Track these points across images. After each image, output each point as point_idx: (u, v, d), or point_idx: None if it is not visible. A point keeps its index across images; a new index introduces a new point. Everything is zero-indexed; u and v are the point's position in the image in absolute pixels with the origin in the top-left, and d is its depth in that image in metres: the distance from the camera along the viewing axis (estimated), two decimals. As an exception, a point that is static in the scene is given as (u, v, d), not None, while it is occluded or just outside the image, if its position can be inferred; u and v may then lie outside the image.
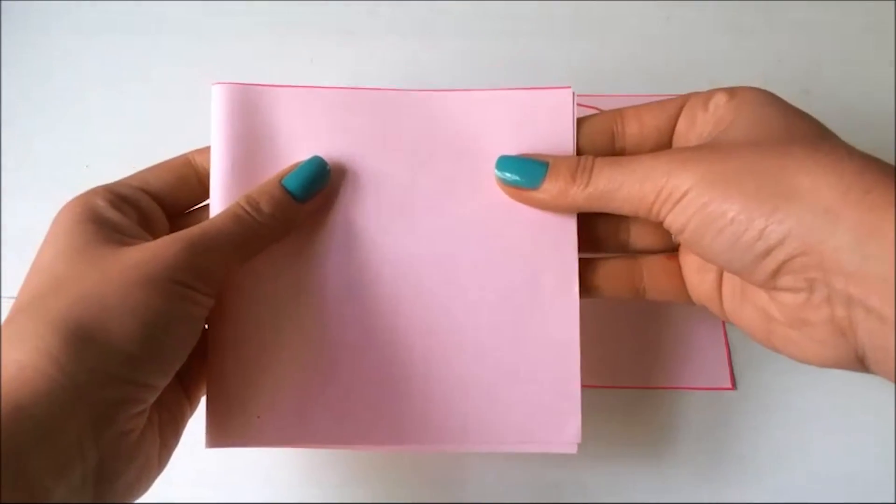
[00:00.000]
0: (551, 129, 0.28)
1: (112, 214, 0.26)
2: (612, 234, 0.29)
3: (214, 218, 0.26)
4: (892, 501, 0.32)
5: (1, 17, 0.42)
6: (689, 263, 0.28)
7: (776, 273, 0.22)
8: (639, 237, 0.29)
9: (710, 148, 0.24)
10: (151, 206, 0.28)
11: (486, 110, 0.29)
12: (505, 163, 0.27)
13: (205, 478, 0.34)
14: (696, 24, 0.40)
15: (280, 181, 0.27)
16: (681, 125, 0.27)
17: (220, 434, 0.28)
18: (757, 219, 0.22)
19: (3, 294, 0.37)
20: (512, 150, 0.28)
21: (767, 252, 0.22)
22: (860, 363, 0.22)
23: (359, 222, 0.28)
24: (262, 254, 0.27)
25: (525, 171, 0.27)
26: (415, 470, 0.33)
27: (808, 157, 0.22)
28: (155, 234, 0.27)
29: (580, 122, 0.28)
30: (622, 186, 0.25)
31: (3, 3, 0.42)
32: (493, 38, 0.40)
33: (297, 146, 0.28)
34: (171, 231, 0.27)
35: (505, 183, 0.27)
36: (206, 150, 0.29)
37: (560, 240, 0.28)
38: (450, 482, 0.33)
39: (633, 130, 0.28)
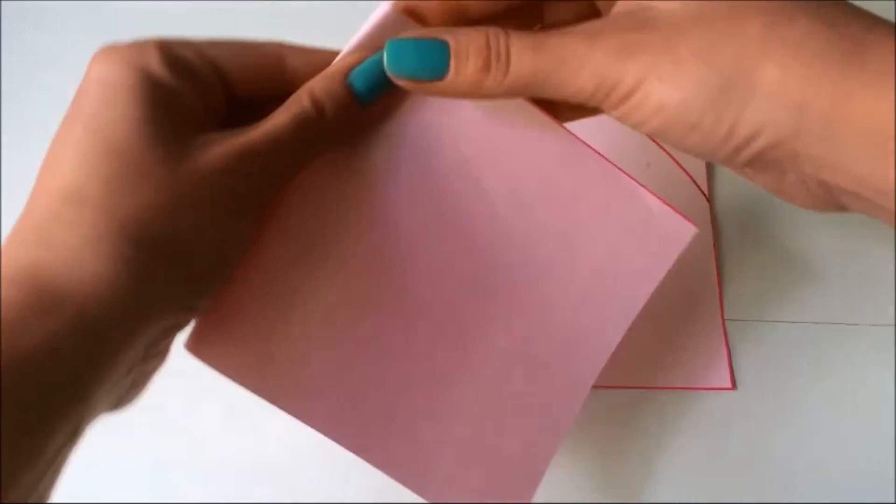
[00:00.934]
0: (651, 253, 0.26)
1: (174, 86, 0.21)
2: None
3: (277, 120, 0.21)
4: (892, 502, 0.32)
5: (1, 17, 0.42)
6: None
7: (748, 163, 0.20)
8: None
9: (651, 28, 0.20)
10: (214, 85, 0.22)
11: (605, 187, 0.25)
12: (395, 48, 0.21)
13: (207, 477, 0.34)
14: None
15: (345, 78, 0.22)
16: None
17: (204, 344, 0.24)
18: (724, 119, 0.19)
19: (3, 294, 0.37)
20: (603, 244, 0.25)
21: (737, 149, 0.20)
22: (846, 209, 0.21)
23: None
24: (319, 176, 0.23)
25: (422, 59, 0.21)
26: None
27: (768, 36, 0.19)
28: (211, 121, 0.22)
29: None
30: (550, 76, 0.20)
31: (3, 3, 0.42)
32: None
33: None
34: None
35: (400, 76, 0.22)
36: (304, 51, 0.23)
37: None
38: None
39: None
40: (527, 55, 0.21)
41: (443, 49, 0.21)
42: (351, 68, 0.22)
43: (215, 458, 0.34)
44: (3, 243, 0.20)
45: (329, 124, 0.22)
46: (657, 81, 0.19)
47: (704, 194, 0.36)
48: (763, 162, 0.20)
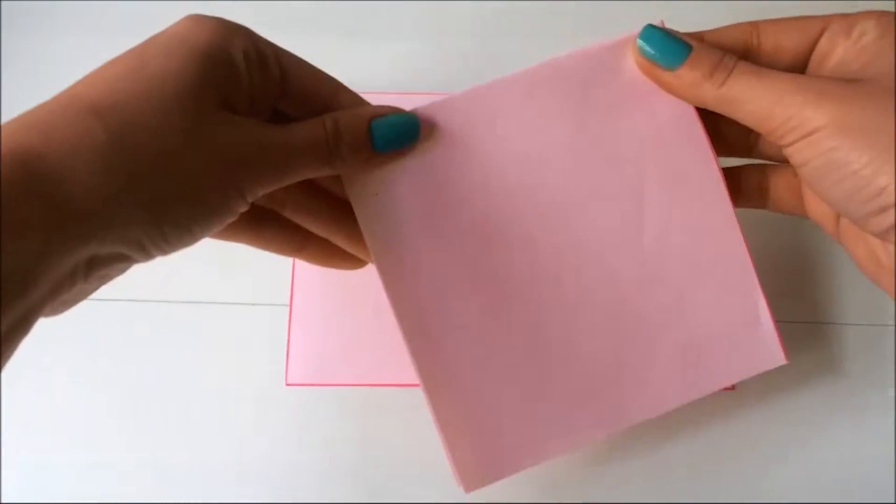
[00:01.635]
0: (736, 356, 0.28)
1: (241, 73, 0.23)
2: (742, 136, 0.29)
3: (294, 130, 0.24)
4: (892, 502, 0.32)
5: (1, 17, 0.42)
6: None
7: (889, 229, 0.22)
8: (766, 144, 0.29)
9: (850, 87, 0.23)
10: (274, 88, 0.25)
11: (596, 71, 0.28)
12: (649, 34, 0.27)
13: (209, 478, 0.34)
14: (695, 24, 0.40)
15: (370, 121, 0.25)
16: (820, 49, 0.26)
17: (473, 475, 0.28)
18: (881, 176, 0.22)
19: (3, 294, 0.37)
20: (638, 117, 0.28)
21: (884, 209, 0.22)
22: None
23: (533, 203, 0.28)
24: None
25: (666, 50, 0.26)
26: (415, 468, 0.33)
27: None
28: (261, 103, 0.24)
29: (712, 31, 0.27)
30: (754, 99, 0.24)
31: (3, 3, 0.42)
32: (493, 38, 0.40)
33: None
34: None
35: (642, 54, 0.26)
36: (356, 96, 0.26)
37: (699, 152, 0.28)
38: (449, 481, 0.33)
39: (768, 47, 0.27)
40: (745, 76, 0.25)
41: (685, 49, 0.26)
42: (379, 116, 0.25)
43: (215, 458, 0.34)
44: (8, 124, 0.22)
45: (337, 155, 0.24)
46: (837, 130, 0.22)
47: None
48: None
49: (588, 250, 0.28)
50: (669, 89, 0.27)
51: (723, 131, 0.29)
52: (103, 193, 0.20)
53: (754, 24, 0.27)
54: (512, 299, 0.28)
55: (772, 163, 0.29)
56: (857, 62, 0.24)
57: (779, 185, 0.29)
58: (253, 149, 0.22)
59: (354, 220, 0.27)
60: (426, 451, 0.33)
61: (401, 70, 0.40)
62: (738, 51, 0.27)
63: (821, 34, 0.26)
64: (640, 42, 0.27)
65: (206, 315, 0.36)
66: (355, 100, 0.26)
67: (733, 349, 0.28)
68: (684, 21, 0.40)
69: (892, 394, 0.33)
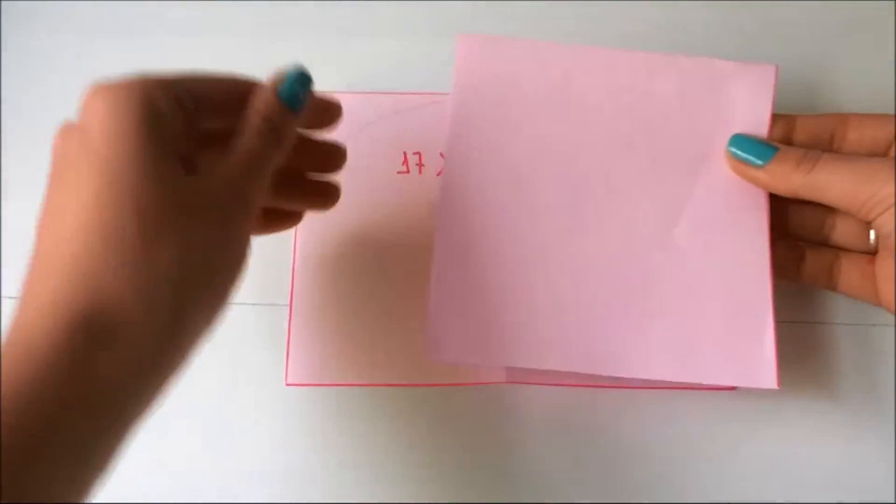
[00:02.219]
0: (748, 105, 0.32)
1: (175, 120, 0.23)
2: (817, 227, 0.32)
3: (245, 139, 0.25)
4: (892, 502, 0.32)
5: (1, 17, 0.42)
6: (884, 270, 0.30)
7: None
8: (842, 234, 0.32)
9: None
10: (195, 116, 0.26)
11: (685, 76, 0.33)
12: (738, 141, 0.31)
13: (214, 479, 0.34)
14: (696, 23, 0.40)
15: (275, 92, 0.27)
16: None
17: (438, 345, 0.31)
18: None
19: (3, 294, 0.37)
20: (708, 121, 0.32)
21: None
22: None
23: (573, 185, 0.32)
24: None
25: (756, 151, 0.31)
26: (415, 468, 0.33)
27: None
28: (192, 144, 0.25)
29: (803, 117, 0.32)
30: (841, 181, 0.28)
31: (3, 3, 0.42)
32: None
33: (527, 100, 0.33)
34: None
35: (735, 158, 0.31)
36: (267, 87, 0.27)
37: (752, 213, 0.32)
38: (449, 481, 0.33)
39: (853, 137, 0.30)
40: (830, 163, 0.29)
41: (772, 149, 0.30)
42: (277, 82, 0.27)
43: (214, 458, 0.34)
44: (36, 279, 0.22)
45: (280, 130, 0.26)
46: None
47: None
48: None
49: (623, 217, 0.32)
50: (762, 184, 0.31)
51: (798, 220, 0.32)
52: (170, 328, 0.22)
53: (842, 116, 0.31)
54: (537, 228, 0.32)
55: (846, 250, 0.32)
56: None
57: (852, 270, 0.31)
58: (240, 173, 0.24)
59: (291, 187, 0.30)
60: (426, 452, 0.33)
61: (401, 70, 0.40)
62: (825, 137, 0.31)
63: None
64: (730, 149, 0.31)
65: (206, 315, 0.36)
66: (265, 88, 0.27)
67: (728, 355, 0.30)
68: (683, 20, 0.41)
69: (892, 394, 0.33)
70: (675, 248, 0.32)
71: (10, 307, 0.36)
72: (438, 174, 0.37)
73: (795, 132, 0.32)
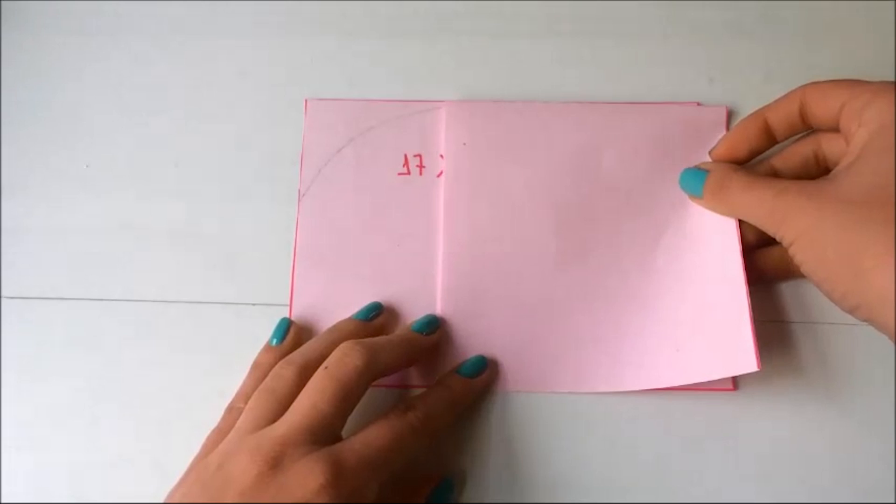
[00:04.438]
0: (705, 141, 0.36)
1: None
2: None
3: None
4: (892, 502, 0.32)
5: (1, 17, 0.42)
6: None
7: (866, 320, 0.27)
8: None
9: (821, 194, 0.28)
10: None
11: (653, 121, 0.37)
12: (683, 177, 0.34)
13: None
14: (696, 23, 0.40)
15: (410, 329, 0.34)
16: (842, 123, 0.30)
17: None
18: (837, 288, 0.27)
19: (3, 294, 0.37)
20: (673, 158, 0.36)
21: (849, 310, 0.27)
22: None
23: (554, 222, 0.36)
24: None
25: (692, 185, 0.34)
26: (413, 468, 0.33)
27: (882, 237, 0.25)
28: None
29: (770, 109, 0.33)
30: (749, 214, 0.31)
31: (3, 3, 0.42)
32: (493, 38, 0.40)
33: (504, 156, 0.36)
34: None
35: (684, 191, 0.34)
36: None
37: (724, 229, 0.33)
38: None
39: (818, 112, 0.31)
40: (738, 194, 0.31)
41: (702, 178, 0.33)
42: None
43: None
44: None
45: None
46: (805, 244, 0.28)
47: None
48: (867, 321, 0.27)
49: (606, 246, 0.35)
50: (709, 210, 0.34)
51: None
52: None
53: (802, 93, 0.31)
54: (533, 260, 0.35)
55: None
56: (849, 156, 0.28)
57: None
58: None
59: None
60: (426, 452, 0.33)
61: (401, 70, 0.40)
62: (796, 120, 0.32)
63: (844, 105, 0.29)
64: (680, 185, 0.34)
65: (207, 315, 0.36)
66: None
67: (713, 354, 0.32)
68: (683, 20, 0.41)
69: (892, 393, 0.34)
70: (656, 269, 0.35)
71: (10, 307, 0.36)
72: (438, 175, 0.37)
73: (770, 126, 0.32)
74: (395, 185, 0.37)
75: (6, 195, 0.38)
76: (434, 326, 0.34)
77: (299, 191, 0.37)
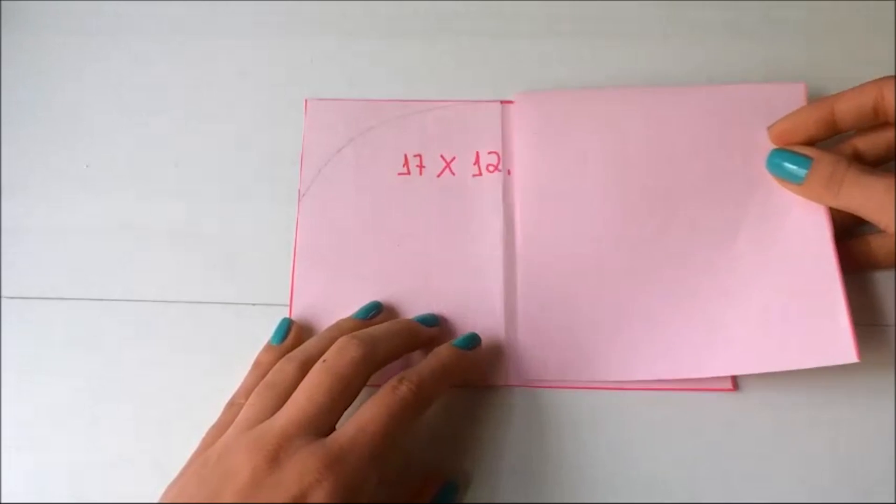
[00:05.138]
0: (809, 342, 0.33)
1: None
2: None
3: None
4: (892, 502, 0.32)
5: (1, 17, 0.42)
6: None
7: None
8: None
9: None
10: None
11: (725, 103, 0.36)
12: (774, 161, 0.34)
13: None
14: (696, 23, 0.40)
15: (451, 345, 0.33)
16: None
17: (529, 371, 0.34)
18: None
19: (3, 294, 0.37)
20: (751, 140, 0.35)
21: None
22: None
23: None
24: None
25: (790, 173, 0.33)
26: (414, 469, 0.33)
27: None
28: None
29: (841, 101, 0.32)
30: (861, 208, 0.31)
31: (3, 3, 0.42)
32: (493, 38, 0.40)
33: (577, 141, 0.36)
34: None
35: (775, 176, 0.34)
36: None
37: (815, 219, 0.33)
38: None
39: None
40: (852, 189, 0.31)
41: (806, 164, 0.32)
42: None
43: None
44: None
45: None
46: None
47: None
48: None
49: (686, 228, 0.35)
50: (803, 197, 0.33)
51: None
52: None
53: (878, 86, 0.31)
54: (607, 244, 0.35)
55: None
56: None
57: None
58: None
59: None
60: (426, 452, 0.33)
61: (401, 70, 0.40)
62: (868, 112, 0.32)
63: None
64: (769, 168, 0.34)
65: (207, 315, 0.36)
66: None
67: (806, 341, 0.32)
68: (683, 20, 0.41)
69: (892, 393, 0.34)
70: (739, 255, 0.34)
71: (10, 307, 0.36)
72: (438, 175, 0.37)
73: (836, 116, 0.32)
74: (395, 185, 0.37)
75: (6, 195, 0.38)
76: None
77: (299, 191, 0.37)
